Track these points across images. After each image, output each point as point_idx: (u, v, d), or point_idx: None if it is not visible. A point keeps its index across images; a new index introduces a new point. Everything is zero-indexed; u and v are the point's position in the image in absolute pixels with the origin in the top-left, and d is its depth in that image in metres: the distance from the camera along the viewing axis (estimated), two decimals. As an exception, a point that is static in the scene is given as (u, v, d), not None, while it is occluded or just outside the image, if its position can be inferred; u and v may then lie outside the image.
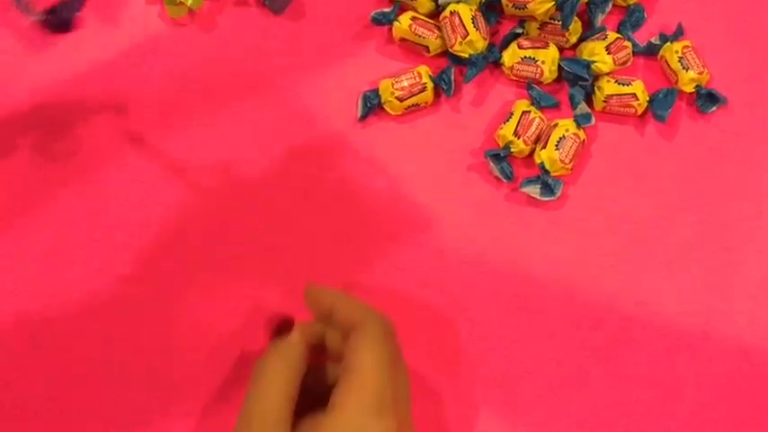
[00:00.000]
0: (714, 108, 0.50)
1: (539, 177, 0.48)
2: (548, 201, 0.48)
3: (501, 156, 0.48)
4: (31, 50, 0.51)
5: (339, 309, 0.38)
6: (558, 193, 0.47)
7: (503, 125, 0.48)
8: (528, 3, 0.48)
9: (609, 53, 0.49)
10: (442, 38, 0.50)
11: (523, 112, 0.48)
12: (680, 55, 0.50)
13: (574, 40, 0.50)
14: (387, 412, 0.34)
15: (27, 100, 0.49)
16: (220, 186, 0.48)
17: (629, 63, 0.50)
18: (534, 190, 0.48)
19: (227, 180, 0.48)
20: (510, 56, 0.50)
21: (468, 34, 0.48)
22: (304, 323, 0.38)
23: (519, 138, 0.48)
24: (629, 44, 0.50)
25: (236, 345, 0.44)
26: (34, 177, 0.48)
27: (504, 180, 0.48)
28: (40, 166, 0.48)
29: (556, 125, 0.48)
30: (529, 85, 0.50)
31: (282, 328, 0.38)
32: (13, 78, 0.50)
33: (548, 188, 0.47)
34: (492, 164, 0.48)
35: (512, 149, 0.48)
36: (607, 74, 0.50)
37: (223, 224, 0.47)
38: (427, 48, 0.50)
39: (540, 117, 0.48)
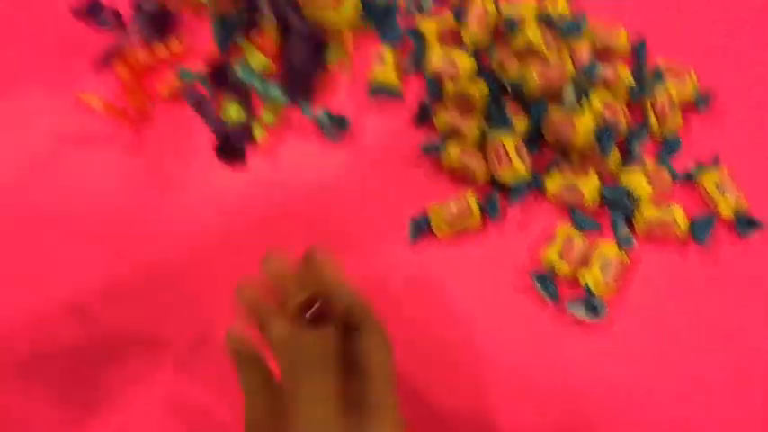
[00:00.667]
0: (753, 233, 0.52)
1: (584, 299, 0.49)
2: (593, 322, 0.49)
3: (546, 277, 0.50)
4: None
5: (343, 296, 0.38)
6: (603, 315, 0.49)
7: (547, 247, 0.51)
8: (568, 134, 0.52)
9: (648, 181, 0.52)
10: (488, 166, 0.53)
11: (567, 236, 0.51)
12: (717, 182, 0.52)
13: (613, 168, 0.53)
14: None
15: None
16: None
17: (667, 190, 0.53)
18: (580, 311, 0.49)
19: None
20: (552, 183, 0.53)
21: (512, 163, 0.52)
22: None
23: (563, 260, 0.50)
24: (667, 172, 0.52)
25: None
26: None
27: (550, 301, 0.50)
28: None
29: (599, 248, 0.50)
30: (571, 210, 0.52)
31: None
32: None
33: (593, 309, 0.49)
34: (538, 285, 0.50)
35: (556, 271, 0.50)
36: (647, 200, 0.52)
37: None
38: (474, 175, 0.54)
39: (582, 240, 0.51)
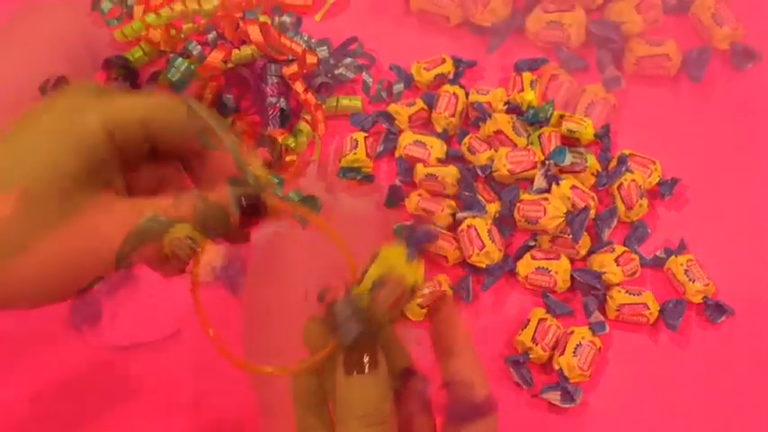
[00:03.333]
0: (722, 318, 0.52)
1: (558, 384, 0.49)
2: (568, 407, 0.48)
3: (520, 362, 0.49)
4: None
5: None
6: (579, 400, 0.48)
7: (521, 332, 0.50)
8: (539, 218, 0.52)
9: (618, 265, 0.52)
10: (460, 249, 0.53)
11: (540, 320, 0.50)
12: (685, 267, 0.53)
13: (584, 252, 0.54)
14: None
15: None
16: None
17: (637, 274, 0.53)
18: (554, 397, 0.48)
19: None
20: (524, 266, 0.53)
21: (484, 246, 0.52)
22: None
23: (537, 344, 0.49)
24: (636, 257, 0.53)
25: None
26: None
27: (524, 386, 0.49)
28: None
29: (572, 332, 0.50)
30: (544, 294, 0.52)
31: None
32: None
33: (568, 395, 0.48)
34: (512, 370, 0.49)
35: (530, 355, 0.49)
36: (617, 284, 0.52)
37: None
38: (446, 258, 0.54)
39: (556, 325, 0.50)
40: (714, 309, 0.52)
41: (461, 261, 0.54)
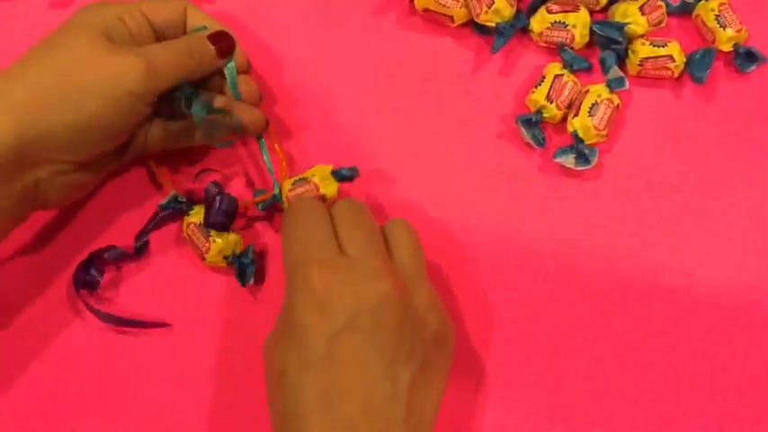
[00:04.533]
0: (754, 67, 0.48)
1: (572, 146, 0.46)
2: (583, 170, 0.46)
3: (533, 121, 0.46)
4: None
5: None
6: (594, 162, 0.45)
7: (534, 89, 0.47)
8: (555, -34, 0.47)
9: (642, 14, 0.47)
10: (467, 6, 0.48)
11: (556, 76, 0.46)
12: (716, 12, 0.48)
13: (604, 2, 0.48)
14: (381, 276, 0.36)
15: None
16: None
17: (663, 24, 0.49)
18: (569, 160, 0.46)
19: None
20: (539, 22, 0.48)
21: (493, 2, 0.47)
22: None
23: (552, 102, 0.46)
24: (662, 3, 0.48)
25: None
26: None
27: (537, 147, 0.46)
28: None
29: (588, 91, 0.46)
30: (561, 48, 0.48)
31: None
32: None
33: (583, 157, 0.45)
34: (523, 130, 0.46)
35: (544, 114, 0.46)
36: (641, 36, 0.48)
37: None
38: (452, 18, 0.49)
39: (573, 81, 0.47)
40: (745, 57, 0.48)
41: (468, 20, 0.49)
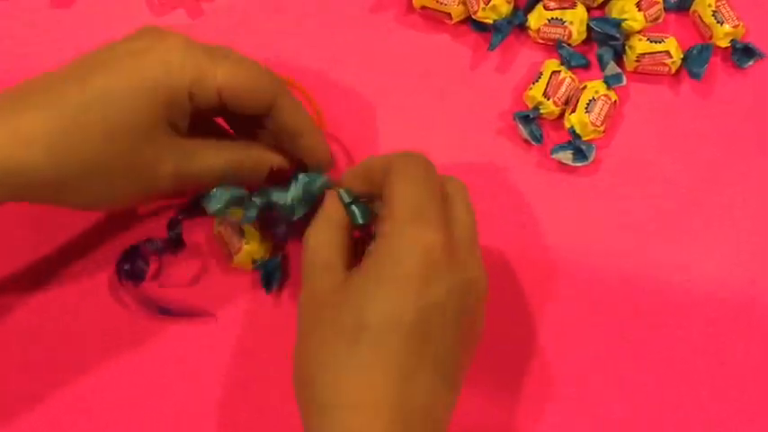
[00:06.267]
0: (751, 62, 0.48)
1: (570, 143, 0.46)
2: (581, 166, 0.46)
3: (530, 117, 0.46)
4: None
5: (372, 166, 0.38)
6: (591, 158, 0.46)
7: (531, 86, 0.47)
8: (552, -38, 0.47)
9: (639, 10, 0.47)
10: (465, 3, 0.48)
11: (553, 72, 0.47)
12: (713, 8, 0.48)
13: (601, -2, 0.49)
14: (427, 222, 0.34)
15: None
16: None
17: (660, 20, 0.49)
18: (566, 156, 0.46)
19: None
20: (536, 18, 0.48)
21: (491, -2, 0.47)
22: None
23: (549, 99, 0.46)
24: (659, -1, 0.48)
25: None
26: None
27: (534, 143, 0.46)
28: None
29: (585, 87, 0.46)
30: (559, 44, 0.48)
31: None
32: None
33: (580, 153, 0.46)
34: (521, 126, 0.46)
35: (541, 111, 0.46)
36: (638, 32, 0.48)
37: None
38: (449, 15, 0.49)
39: (570, 77, 0.47)
40: (742, 52, 0.48)
41: (466, 17, 0.49)
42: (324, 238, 0.37)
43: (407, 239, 0.33)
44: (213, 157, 0.38)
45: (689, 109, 0.48)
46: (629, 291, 0.44)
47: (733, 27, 0.48)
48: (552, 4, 0.48)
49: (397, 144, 0.47)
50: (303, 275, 0.36)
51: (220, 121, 0.42)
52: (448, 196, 0.37)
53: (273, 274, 0.43)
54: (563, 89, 0.46)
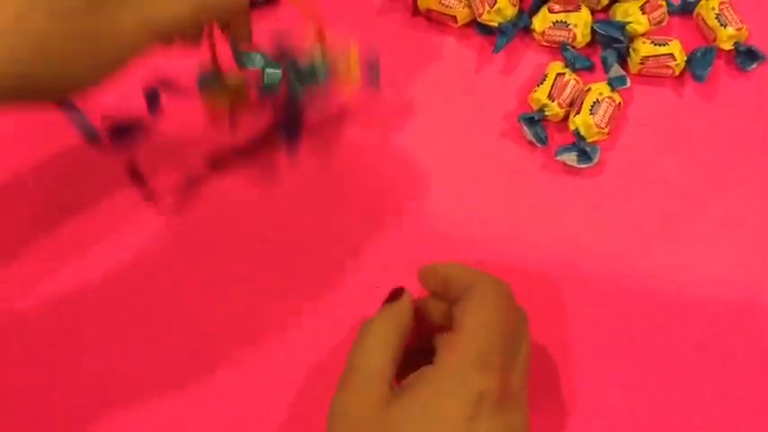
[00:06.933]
0: (754, 65, 0.49)
1: (574, 144, 0.46)
2: (585, 168, 0.46)
3: (535, 119, 0.46)
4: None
5: (452, 276, 0.38)
6: (596, 160, 0.46)
7: (536, 88, 0.47)
8: (557, -34, 0.47)
9: (644, 13, 0.48)
10: (470, 6, 0.49)
11: (558, 74, 0.47)
12: (717, 11, 0.48)
13: (606, 1, 0.49)
14: (490, 369, 0.33)
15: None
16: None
17: (664, 23, 0.49)
18: (571, 157, 0.46)
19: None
20: (541, 21, 0.48)
21: (496, 2, 0.47)
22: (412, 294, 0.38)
23: (553, 101, 0.46)
24: (663, 2, 0.49)
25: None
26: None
27: (539, 145, 0.47)
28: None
29: (589, 90, 0.47)
30: (563, 47, 0.49)
31: (393, 296, 0.38)
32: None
33: (584, 155, 0.46)
34: (526, 128, 0.47)
35: (546, 113, 0.47)
36: (642, 35, 0.48)
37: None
38: (455, 18, 0.49)
39: (574, 79, 0.47)
40: (746, 55, 0.48)
41: (471, 20, 0.50)
42: (381, 343, 0.36)
43: (468, 384, 0.33)
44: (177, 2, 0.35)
45: (692, 111, 0.48)
46: (634, 291, 0.44)
47: (736, 30, 0.48)
48: (557, 7, 0.49)
49: (401, 146, 0.47)
50: (347, 377, 0.35)
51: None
52: (516, 336, 0.37)
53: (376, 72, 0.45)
54: (567, 91, 0.47)
